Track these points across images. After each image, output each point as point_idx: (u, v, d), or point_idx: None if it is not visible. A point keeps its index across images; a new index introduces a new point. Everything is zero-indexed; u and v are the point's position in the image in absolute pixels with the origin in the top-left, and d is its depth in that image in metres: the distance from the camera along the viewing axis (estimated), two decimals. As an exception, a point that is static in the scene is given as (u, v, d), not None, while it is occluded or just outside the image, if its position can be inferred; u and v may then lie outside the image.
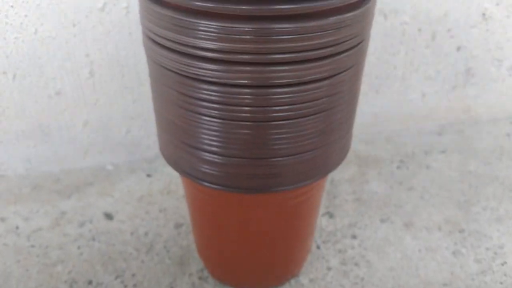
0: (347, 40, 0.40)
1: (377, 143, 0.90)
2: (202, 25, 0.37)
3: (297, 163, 0.44)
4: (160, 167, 0.82)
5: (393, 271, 0.63)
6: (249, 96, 0.39)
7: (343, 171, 0.82)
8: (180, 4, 0.37)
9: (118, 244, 0.67)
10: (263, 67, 0.38)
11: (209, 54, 0.38)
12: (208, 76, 0.39)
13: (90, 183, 0.79)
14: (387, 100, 0.90)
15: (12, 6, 0.66)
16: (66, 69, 0.72)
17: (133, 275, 0.62)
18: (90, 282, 0.61)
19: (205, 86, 0.40)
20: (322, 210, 0.73)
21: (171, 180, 0.79)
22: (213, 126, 0.41)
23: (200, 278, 0.62)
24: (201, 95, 0.40)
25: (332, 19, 0.38)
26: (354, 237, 0.69)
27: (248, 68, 0.38)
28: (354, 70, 0.43)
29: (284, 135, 0.42)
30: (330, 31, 0.38)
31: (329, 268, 0.64)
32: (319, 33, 0.37)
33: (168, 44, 0.39)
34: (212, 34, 0.37)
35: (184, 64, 0.39)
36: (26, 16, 0.67)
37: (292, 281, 0.62)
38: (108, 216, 0.72)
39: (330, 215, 0.73)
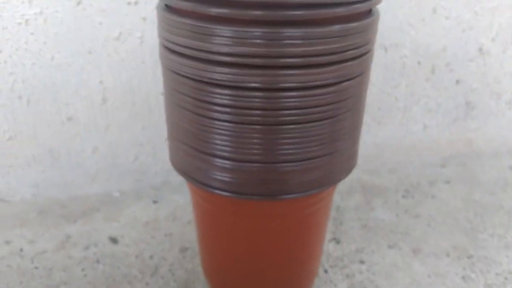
0: (352, 49, 0.42)
1: (381, 173, 0.91)
2: (217, 30, 0.39)
3: (305, 170, 0.45)
4: (166, 194, 0.83)
5: (403, 295, 0.62)
6: (259, 99, 0.41)
7: (348, 199, 0.82)
8: (196, 11, 0.40)
9: (122, 267, 0.66)
10: (273, 70, 0.40)
11: (223, 58, 0.40)
12: (221, 80, 0.41)
13: (97, 209, 0.79)
14: (390, 131, 0.92)
15: (32, 33, 0.69)
16: (80, 95, 0.75)
17: (138, 296, 0.61)
18: (93, 303, 0.60)
19: (218, 90, 0.42)
20: (328, 236, 0.73)
21: (177, 206, 0.80)
22: (225, 130, 0.43)
23: (205, 300, 0.61)
24: (214, 99, 0.42)
25: (337, 27, 0.40)
26: (362, 262, 0.68)
27: (259, 71, 0.40)
28: (359, 80, 0.45)
29: (292, 140, 0.43)
30: (335, 38, 0.41)
31: (337, 291, 0.63)
32: (325, 39, 0.40)
33: (184, 51, 0.42)
34: (226, 38, 0.39)
35: (199, 69, 0.42)
36: (45, 43, 0.70)
37: (300, 304, 0.60)
38: (113, 240, 0.72)
39: (337, 241, 0.72)
